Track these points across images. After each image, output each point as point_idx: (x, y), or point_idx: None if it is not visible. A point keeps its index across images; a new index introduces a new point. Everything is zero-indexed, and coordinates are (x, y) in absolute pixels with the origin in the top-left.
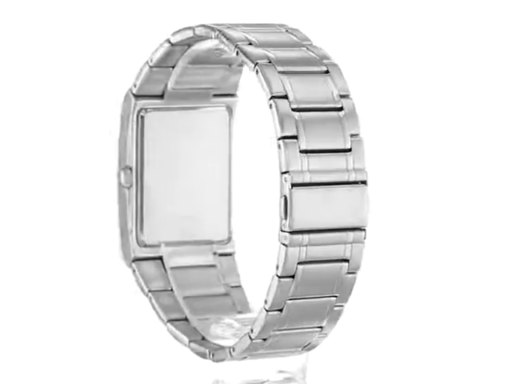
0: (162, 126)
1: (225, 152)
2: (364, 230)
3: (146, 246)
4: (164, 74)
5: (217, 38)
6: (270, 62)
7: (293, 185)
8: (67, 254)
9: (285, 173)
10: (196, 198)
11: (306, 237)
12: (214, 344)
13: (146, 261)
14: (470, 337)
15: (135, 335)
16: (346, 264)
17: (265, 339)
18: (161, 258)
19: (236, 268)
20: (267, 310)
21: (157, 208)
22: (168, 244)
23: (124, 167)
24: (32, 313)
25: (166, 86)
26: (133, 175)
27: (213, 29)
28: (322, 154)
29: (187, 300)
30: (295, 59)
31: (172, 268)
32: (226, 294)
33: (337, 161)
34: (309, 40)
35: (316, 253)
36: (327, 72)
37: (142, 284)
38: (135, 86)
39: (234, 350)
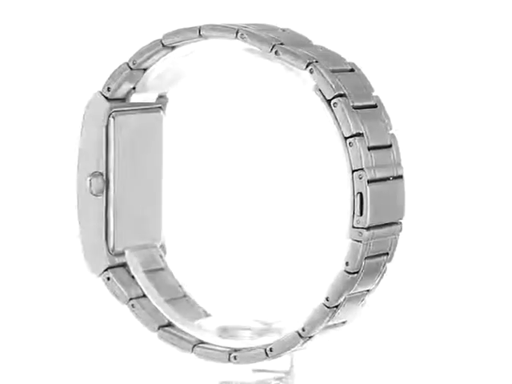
0: (125, 130)
1: (162, 153)
2: (401, 223)
3: (115, 252)
4: (139, 76)
5: (240, 38)
6: (317, 61)
7: (368, 181)
8: (26, 267)
9: (358, 170)
10: (146, 201)
11: (372, 232)
12: (221, 346)
13: (119, 268)
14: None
15: (125, 341)
16: (386, 257)
17: (311, 337)
18: (125, 265)
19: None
20: (328, 307)
21: (122, 213)
22: (132, 249)
23: (93, 173)
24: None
25: (133, 88)
26: (103, 181)
27: (233, 29)
28: (378, 150)
29: (170, 303)
30: (327, 58)
31: (147, 272)
32: (185, 296)
33: (387, 156)
34: (309, 39)
35: (376, 247)
36: (352, 70)
37: (122, 291)
38: (109, 89)
39: (272, 350)
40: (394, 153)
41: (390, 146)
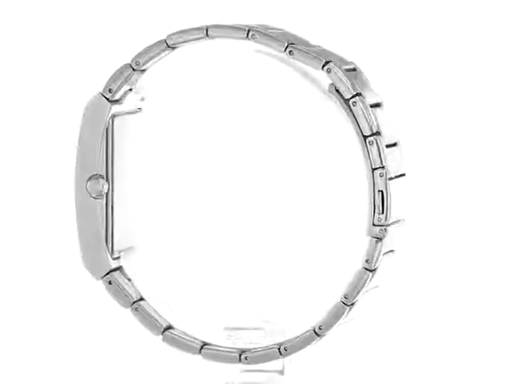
0: (126, 131)
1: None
2: (405, 220)
3: (115, 255)
4: (138, 76)
5: (251, 38)
6: (331, 61)
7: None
8: (26, 272)
9: (378, 168)
10: (136, 203)
11: (389, 229)
12: (228, 347)
13: (116, 271)
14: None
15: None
16: (392, 254)
17: (324, 335)
18: (120, 268)
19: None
20: (346, 305)
21: (120, 215)
22: (126, 252)
23: (93, 176)
24: None
25: (129, 90)
26: (103, 184)
27: (243, 29)
28: (391, 148)
29: (170, 305)
30: (334, 58)
31: (143, 273)
32: (184, 297)
33: (396, 154)
34: (306, 39)
35: (390, 243)
36: (354, 69)
37: (125, 295)
38: (110, 90)
39: (286, 349)
40: (399, 151)
41: (396, 144)
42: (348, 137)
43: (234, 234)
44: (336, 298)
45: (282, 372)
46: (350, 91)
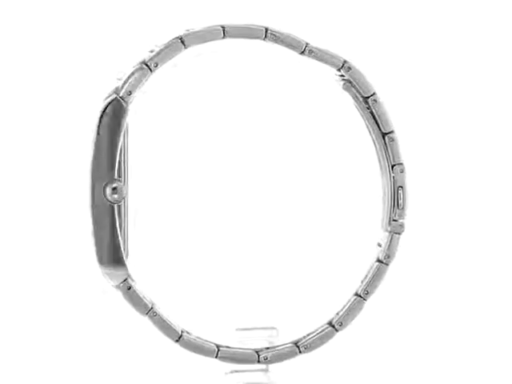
0: (140, 135)
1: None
2: None
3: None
4: (147, 77)
5: (270, 38)
6: (347, 60)
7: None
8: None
9: (397, 164)
10: (148, 207)
11: (405, 223)
12: (244, 348)
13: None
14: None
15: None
16: None
17: (341, 330)
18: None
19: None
20: (365, 300)
21: (133, 219)
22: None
23: (110, 181)
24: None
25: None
26: (123, 188)
27: (261, 30)
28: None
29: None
30: None
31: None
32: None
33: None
34: None
35: None
36: (350, 68)
37: (146, 301)
38: (129, 92)
39: (306, 348)
40: None
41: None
42: (363, 134)
43: (251, 230)
44: (349, 293)
45: (266, 370)
46: (370, 89)
